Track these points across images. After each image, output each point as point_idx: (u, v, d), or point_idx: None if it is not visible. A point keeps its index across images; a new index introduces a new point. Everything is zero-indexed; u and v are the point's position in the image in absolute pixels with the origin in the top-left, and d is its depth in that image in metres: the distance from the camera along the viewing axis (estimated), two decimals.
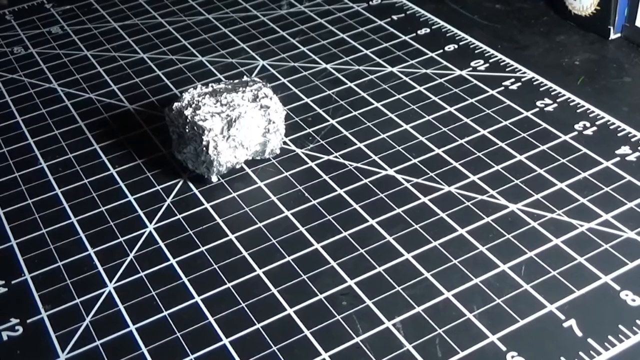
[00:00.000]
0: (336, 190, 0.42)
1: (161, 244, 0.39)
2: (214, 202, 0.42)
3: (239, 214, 0.41)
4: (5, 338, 0.35)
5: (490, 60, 0.52)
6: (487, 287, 0.35)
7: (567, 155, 0.43)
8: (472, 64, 0.51)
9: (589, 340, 0.32)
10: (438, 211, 0.40)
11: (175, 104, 0.42)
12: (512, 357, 0.32)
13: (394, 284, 0.36)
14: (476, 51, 0.53)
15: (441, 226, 0.39)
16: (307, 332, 0.34)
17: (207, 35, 0.58)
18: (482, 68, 0.51)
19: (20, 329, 0.35)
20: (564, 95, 0.47)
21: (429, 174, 0.42)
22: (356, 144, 0.45)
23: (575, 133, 0.44)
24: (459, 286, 0.35)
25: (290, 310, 0.35)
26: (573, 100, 0.47)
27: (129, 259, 0.39)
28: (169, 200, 0.42)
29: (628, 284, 0.35)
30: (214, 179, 0.42)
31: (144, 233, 0.40)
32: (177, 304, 0.36)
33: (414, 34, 0.56)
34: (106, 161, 0.46)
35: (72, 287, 0.37)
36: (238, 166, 0.43)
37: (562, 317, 0.33)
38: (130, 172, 0.44)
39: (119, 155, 0.46)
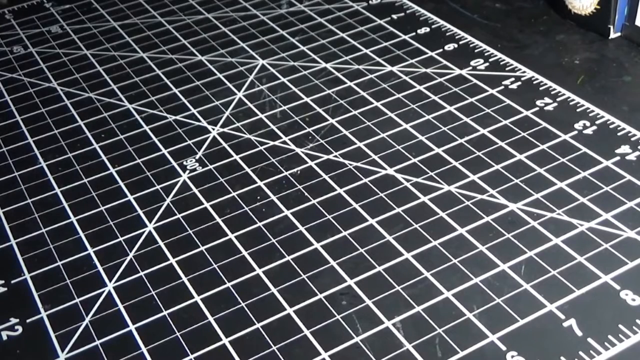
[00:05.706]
0: (336, 190, 0.42)
1: (161, 243, 0.39)
2: (213, 202, 0.42)
3: (238, 213, 0.41)
4: (4, 338, 0.35)
5: (490, 60, 0.52)
6: (487, 287, 0.35)
7: (567, 154, 0.43)
8: (472, 63, 0.51)
9: (589, 339, 0.32)
10: (438, 211, 0.40)
11: None
12: (512, 356, 0.32)
13: (393, 283, 0.36)
14: (476, 50, 0.53)
15: (441, 226, 0.39)
16: (306, 332, 0.34)
17: (207, 34, 0.58)
18: (482, 67, 0.51)
19: (20, 329, 0.35)
20: (563, 94, 0.47)
21: (428, 173, 0.42)
22: (356, 144, 0.45)
23: (575, 132, 0.44)
24: (459, 286, 0.35)
25: (290, 310, 0.35)
26: (573, 100, 0.47)
27: (128, 258, 0.39)
28: (168, 200, 0.42)
29: (628, 283, 0.35)
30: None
31: (143, 232, 0.40)
32: (176, 303, 0.36)
33: (414, 33, 0.56)
34: (105, 160, 0.46)
35: (71, 286, 0.37)
36: None
37: (562, 316, 0.33)
38: (129, 172, 0.44)
39: (119, 155, 0.46)
